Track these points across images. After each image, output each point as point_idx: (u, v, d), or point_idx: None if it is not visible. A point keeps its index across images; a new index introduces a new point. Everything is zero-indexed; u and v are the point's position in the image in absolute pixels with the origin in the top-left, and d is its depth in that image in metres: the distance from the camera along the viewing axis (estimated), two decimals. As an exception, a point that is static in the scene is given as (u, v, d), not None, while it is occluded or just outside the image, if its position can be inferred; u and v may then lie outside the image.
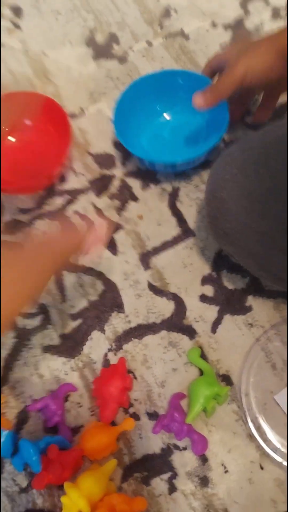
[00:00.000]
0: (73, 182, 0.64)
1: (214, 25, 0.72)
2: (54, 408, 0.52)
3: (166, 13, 0.74)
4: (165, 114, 0.66)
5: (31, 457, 0.49)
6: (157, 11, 0.74)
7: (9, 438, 0.51)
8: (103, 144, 0.66)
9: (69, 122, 0.62)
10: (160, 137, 0.65)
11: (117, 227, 0.61)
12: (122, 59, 0.71)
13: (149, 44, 0.72)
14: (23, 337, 0.57)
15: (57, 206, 0.63)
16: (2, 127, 0.62)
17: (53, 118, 0.63)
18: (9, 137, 0.64)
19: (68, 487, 0.48)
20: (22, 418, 0.54)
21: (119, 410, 0.53)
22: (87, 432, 0.51)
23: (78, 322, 0.57)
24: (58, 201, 0.63)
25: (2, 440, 0.50)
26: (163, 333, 0.56)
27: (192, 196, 0.62)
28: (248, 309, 0.57)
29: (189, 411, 0.51)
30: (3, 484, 0.51)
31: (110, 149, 0.66)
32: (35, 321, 0.58)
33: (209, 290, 0.58)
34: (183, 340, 0.56)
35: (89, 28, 0.73)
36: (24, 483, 0.51)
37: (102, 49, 0.72)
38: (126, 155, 0.65)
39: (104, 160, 0.65)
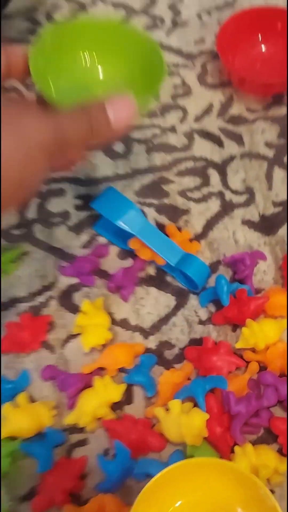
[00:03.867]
0: (300, 98, 0.71)
1: None
2: (248, 263, 0.59)
3: None
4: None
5: (223, 290, 0.56)
6: None
7: (207, 271, 0.58)
8: None
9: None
10: None
11: None
12: None
13: None
14: (228, 207, 0.65)
15: (281, 114, 0.70)
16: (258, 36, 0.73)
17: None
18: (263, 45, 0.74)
19: (250, 322, 0.55)
20: (213, 268, 0.61)
21: (299, 288, 0.59)
22: (271, 291, 0.58)
23: (278, 209, 0.64)
24: (283, 110, 0.71)
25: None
26: None
27: None
28: None
29: None
30: (185, 313, 0.59)
31: None
32: (241, 198, 0.65)
33: None
34: None
35: None
36: (204, 317, 0.58)
37: None
38: None
39: None
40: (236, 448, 0.49)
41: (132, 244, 0.60)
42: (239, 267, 0.59)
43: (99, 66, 0.59)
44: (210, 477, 0.47)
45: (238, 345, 0.54)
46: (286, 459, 0.50)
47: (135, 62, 0.57)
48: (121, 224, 0.58)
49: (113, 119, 0.45)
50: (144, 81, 0.56)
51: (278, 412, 0.53)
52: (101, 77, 0.59)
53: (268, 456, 0.49)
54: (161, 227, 0.64)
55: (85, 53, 0.58)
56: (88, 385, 0.54)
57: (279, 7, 0.74)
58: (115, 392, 0.53)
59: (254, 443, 0.51)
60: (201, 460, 0.47)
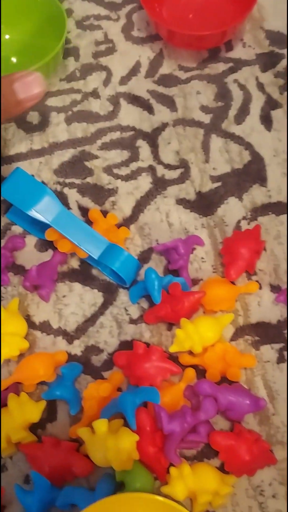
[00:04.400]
0: (239, 52, 0.62)
1: None
2: (182, 252, 0.51)
3: None
4: None
5: (154, 286, 0.49)
6: None
7: (135, 264, 0.51)
8: (279, 22, 0.63)
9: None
10: None
11: (276, 104, 0.59)
12: None
13: None
14: (160, 184, 0.57)
15: (218, 71, 0.61)
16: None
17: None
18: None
19: (185, 322, 0.48)
20: (145, 256, 0.53)
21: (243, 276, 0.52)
22: (209, 282, 0.51)
23: (217, 184, 0.56)
24: (220, 67, 0.62)
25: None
26: (302, 215, 0.54)
27: None
28: None
29: None
30: (114, 311, 0.51)
31: (285, 29, 0.63)
32: (175, 174, 0.57)
33: None
34: None
35: None
36: (135, 315, 0.51)
37: None
38: (301, 38, 0.62)
39: (276, 38, 0.62)
40: (172, 470, 0.43)
41: (48, 235, 0.52)
42: (173, 256, 0.52)
43: (7, 36, 0.63)
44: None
45: (172, 349, 0.47)
46: (228, 476, 0.44)
47: (40, 24, 0.62)
48: (33, 213, 0.50)
49: (21, 96, 0.47)
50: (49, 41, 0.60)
51: (221, 422, 0.47)
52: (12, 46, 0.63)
53: (207, 478, 0.43)
54: (84, 211, 0.55)
55: None
56: (2, 404, 0.47)
57: None
58: (33, 412, 0.46)
59: (193, 458, 0.46)
60: (127, 495, 0.41)
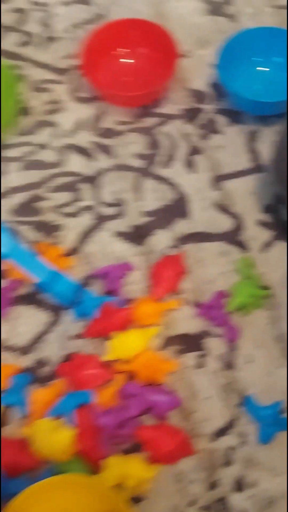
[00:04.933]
0: (166, 108, 0.73)
1: None
2: (117, 274, 0.61)
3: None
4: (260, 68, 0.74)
5: (90, 304, 0.58)
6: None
7: (76, 288, 0.60)
8: (200, 83, 0.75)
9: (177, 55, 0.71)
10: (252, 87, 0.73)
11: (197, 151, 0.70)
12: (233, 19, 0.80)
13: (260, 10, 0.81)
14: (99, 221, 0.66)
15: (149, 124, 0.72)
16: (120, 49, 0.74)
17: (164, 47, 0.72)
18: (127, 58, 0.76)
19: (115, 334, 0.57)
20: (87, 281, 0.62)
21: (168, 295, 0.61)
22: (139, 301, 0.60)
23: (148, 218, 0.66)
24: (151, 120, 0.73)
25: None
26: (219, 243, 0.64)
27: (270, 139, 0.70)
28: (300, 239, 0.64)
29: (231, 301, 0.59)
30: (60, 329, 0.60)
31: (205, 89, 0.74)
32: (112, 211, 0.67)
33: (268, 218, 0.65)
34: (235, 252, 0.63)
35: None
36: (78, 331, 0.60)
37: (217, 7, 0.81)
38: (218, 95, 0.73)
39: (198, 96, 0.74)
40: (105, 460, 0.51)
41: (4, 265, 0.61)
42: (108, 279, 0.61)
43: None
44: (74, 494, 0.49)
45: (105, 358, 0.56)
46: (153, 466, 0.52)
47: None
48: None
49: None
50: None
51: (149, 420, 0.55)
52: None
53: (134, 466, 0.51)
54: (35, 244, 0.65)
55: None
56: None
57: (139, 18, 0.76)
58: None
59: (125, 452, 0.53)
60: (61, 478, 0.49)
